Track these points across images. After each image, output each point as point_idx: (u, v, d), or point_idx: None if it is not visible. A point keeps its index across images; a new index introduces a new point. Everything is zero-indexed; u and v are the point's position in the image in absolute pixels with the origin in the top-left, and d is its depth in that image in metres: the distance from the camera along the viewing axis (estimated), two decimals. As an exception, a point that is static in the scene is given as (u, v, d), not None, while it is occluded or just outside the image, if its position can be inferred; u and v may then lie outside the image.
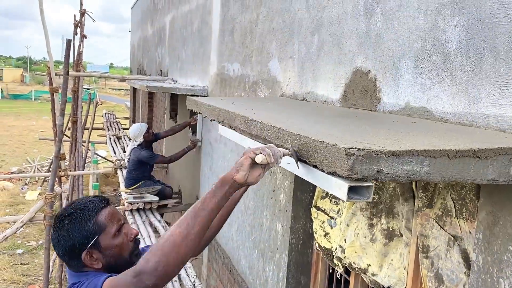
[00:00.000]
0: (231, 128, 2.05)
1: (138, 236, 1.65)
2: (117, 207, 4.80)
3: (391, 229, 2.31)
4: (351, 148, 1.10)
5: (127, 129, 12.72)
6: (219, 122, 2.20)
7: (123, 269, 1.46)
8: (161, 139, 6.69)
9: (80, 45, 9.39)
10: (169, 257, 1.28)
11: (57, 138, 4.94)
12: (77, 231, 1.54)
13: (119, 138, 10.53)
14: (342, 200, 1.17)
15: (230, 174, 1.36)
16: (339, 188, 1.13)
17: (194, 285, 3.32)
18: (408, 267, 2.21)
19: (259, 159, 1.31)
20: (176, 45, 6.99)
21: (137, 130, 5.72)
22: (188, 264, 3.68)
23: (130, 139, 6.49)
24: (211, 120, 2.37)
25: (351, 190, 1.13)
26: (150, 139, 5.80)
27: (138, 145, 5.71)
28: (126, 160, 6.10)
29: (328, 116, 2.00)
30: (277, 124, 1.56)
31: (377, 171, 1.11)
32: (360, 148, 1.10)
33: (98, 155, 14.50)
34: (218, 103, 2.41)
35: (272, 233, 3.30)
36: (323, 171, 1.19)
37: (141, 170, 5.64)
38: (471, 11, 1.60)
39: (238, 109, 2.15)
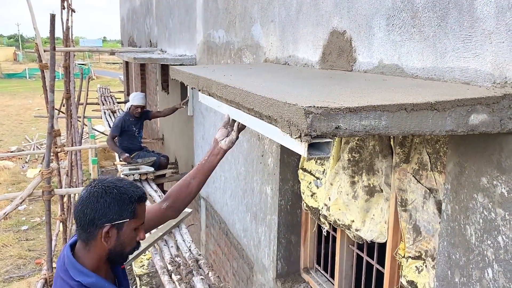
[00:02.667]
0: (209, 95, 2.09)
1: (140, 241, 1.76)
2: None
3: (371, 185, 2.38)
4: (310, 106, 1.14)
5: (122, 102, 12.71)
6: (199, 90, 2.23)
7: (116, 262, 1.69)
8: (154, 118, 6.76)
9: (68, 19, 9.25)
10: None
11: (49, 115, 4.96)
12: (119, 205, 1.61)
13: (113, 112, 10.54)
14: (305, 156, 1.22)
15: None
16: (300, 145, 1.18)
17: (190, 249, 3.43)
18: (389, 221, 2.29)
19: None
20: (163, 14, 6.90)
21: (132, 95, 6.03)
22: (184, 230, 3.79)
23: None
24: (192, 88, 2.40)
25: (312, 146, 1.18)
26: (134, 114, 5.88)
27: (124, 112, 5.93)
28: None
29: (303, 78, 2.03)
30: (248, 88, 1.60)
31: (336, 128, 1.16)
32: (318, 106, 1.14)
33: (95, 130, 14.53)
34: (198, 72, 2.43)
35: (262, 196, 3.38)
36: (283, 129, 1.24)
37: (126, 139, 5.81)
38: (436, -35, 1.61)
39: (217, 76, 2.17)
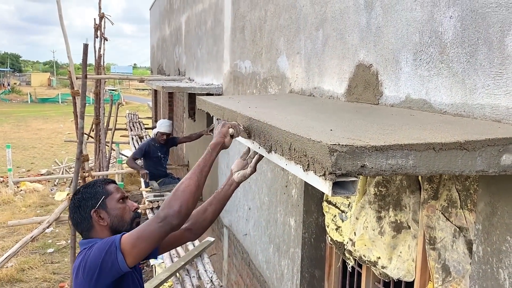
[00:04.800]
0: (234, 127, 2.09)
1: (138, 210, 2.02)
2: (139, 205, 4.93)
3: (399, 221, 2.31)
4: (335, 144, 1.12)
5: (150, 128, 12.94)
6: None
7: (122, 231, 1.85)
8: (181, 143, 6.89)
9: (100, 47, 9.60)
10: (188, 201, 1.68)
11: (78, 141, 5.09)
12: (88, 193, 1.92)
13: (141, 138, 10.72)
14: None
15: (219, 140, 1.85)
16: (324, 183, 1.16)
17: (211, 280, 3.39)
18: (416, 259, 2.21)
19: (231, 131, 1.87)
20: (191, 44, 7.07)
21: (160, 122, 6.21)
22: (206, 260, 3.76)
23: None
24: (217, 119, 2.41)
25: (337, 184, 1.15)
26: (159, 141, 5.98)
27: (151, 138, 6.03)
28: None
29: (328, 111, 2.02)
30: (272, 122, 1.60)
31: (361, 166, 1.13)
32: (343, 145, 1.12)
33: (123, 155, 14.80)
34: (223, 103, 2.45)
35: (286, 227, 3.33)
36: (308, 167, 1.22)
37: (151, 164, 5.89)
38: (465, 1, 1.59)
39: (242, 108, 2.19)
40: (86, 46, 5.06)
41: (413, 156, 1.17)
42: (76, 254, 6.04)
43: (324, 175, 1.15)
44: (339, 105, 2.27)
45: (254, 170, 2.09)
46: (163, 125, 5.99)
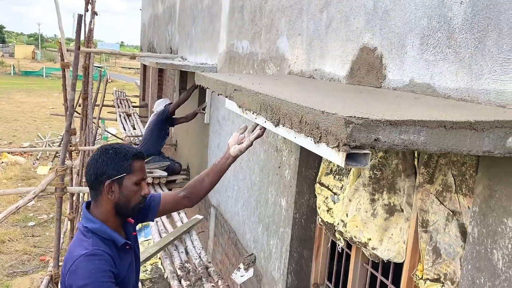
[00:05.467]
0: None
1: (148, 195, 1.99)
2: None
3: (392, 204, 2.36)
4: (350, 116, 1.14)
5: (137, 106, 12.82)
6: (226, 96, 2.24)
7: (124, 215, 1.92)
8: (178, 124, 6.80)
9: (91, 21, 9.40)
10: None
11: (68, 113, 5.01)
12: (115, 162, 1.86)
13: (129, 115, 10.62)
14: (341, 166, 1.22)
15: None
16: (338, 154, 1.18)
17: (200, 256, 3.41)
18: (408, 241, 2.27)
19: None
20: (186, 22, 6.99)
21: (161, 101, 6.11)
22: (195, 237, 3.78)
23: (144, 117, 6.65)
24: (218, 95, 2.41)
25: (349, 157, 1.18)
26: (172, 111, 5.94)
27: (157, 112, 5.96)
28: (144, 129, 6.28)
29: (332, 91, 2.03)
30: (281, 96, 1.60)
31: (375, 139, 1.15)
32: (359, 117, 1.14)
33: (108, 132, 14.65)
34: (225, 78, 2.45)
35: (276, 208, 3.37)
36: (320, 139, 1.24)
37: (154, 141, 5.80)
38: (477, -13, 1.61)
39: (245, 83, 2.19)
40: (80, 17, 4.97)
41: (425, 133, 1.20)
42: (62, 227, 5.91)
43: (337, 146, 1.17)
44: (342, 86, 2.29)
45: (251, 144, 2.14)
46: (163, 103, 6.04)
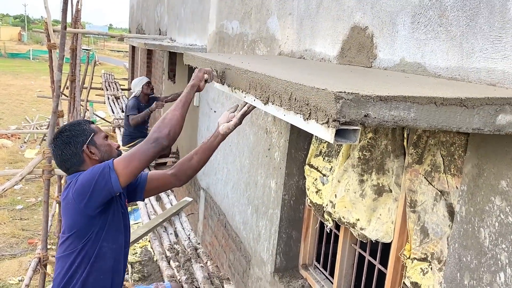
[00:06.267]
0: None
1: (119, 147, 2.18)
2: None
3: (381, 184, 2.37)
4: (340, 92, 1.12)
5: (126, 89, 12.67)
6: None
7: None
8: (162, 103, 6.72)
9: (78, 2, 9.22)
10: (176, 127, 1.93)
11: (55, 94, 4.92)
12: (77, 130, 2.05)
13: (117, 98, 10.50)
14: (329, 142, 1.20)
15: (196, 82, 2.04)
16: (327, 130, 1.16)
17: (189, 237, 3.41)
18: (396, 221, 2.28)
19: (206, 76, 2.08)
20: (175, 3, 6.87)
21: (137, 81, 5.97)
22: (184, 218, 3.77)
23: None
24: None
25: (338, 133, 1.16)
26: (148, 92, 5.88)
27: (134, 97, 5.86)
28: (124, 115, 6.22)
29: (322, 70, 2.01)
30: (271, 73, 1.58)
31: (365, 115, 1.14)
32: (349, 92, 1.12)
33: (96, 115, 14.50)
34: (214, 57, 2.41)
35: (266, 190, 3.36)
36: (310, 115, 1.22)
37: (129, 123, 5.77)
38: (470, -36, 1.59)
39: (234, 62, 2.16)
40: (66, -5, 4.85)
41: (415, 109, 1.18)
42: (50, 210, 5.89)
43: (327, 122, 1.15)
44: (332, 66, 2.27)
45: (239, 122, 2.14)
46: (142, 79, 5.94)
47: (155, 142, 1.88)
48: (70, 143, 2.01)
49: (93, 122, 2.16)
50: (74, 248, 1.97)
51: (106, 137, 2.12)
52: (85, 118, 10.28)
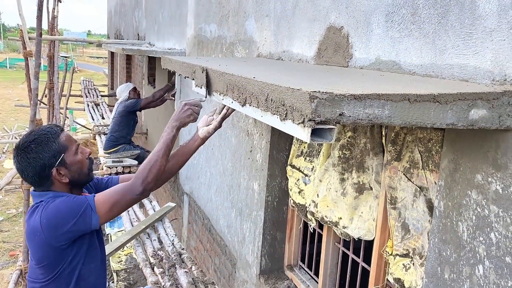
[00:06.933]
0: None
1: (90, 153, 2.03)
2: (95, 172, 4.80)
3: (361, 183, 2.38)
4: (315, 91, 1.12)
5: (106, 96, 12.54)
6: (193, 79, 2.20)
7: (83, 182, 1.97)
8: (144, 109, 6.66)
9: (54, 8, 9.10)
10: (160, 176, 1.91)
11: (32, 102, 4.85)
12: (45, 151, 1.80)
13: (97, 104, 10.38)
14: (311, 148, 1.21)
15: (180, 125, 1.99)
16: (303, 130, 1.16)
17: (173, 243, 3.38)
18: (377, 219, 2.30)
19: (192, 118, 2.03)
20: (153, 7, 6.83)
21: (123, 87, 6.01)
22: (167, 224, 3.74)
23: (113, 106, 6.54)
24: (185, 78, 2.36)
25: (314, 133, 1.16)
26: (135, 97, 5.87)
27: (123, 100, 5.85)
28: (111, 119, 6.16)
29: (299, 71, 2.02)
30: (248, 75, 1.58)
31: (340, 114, 1.15)
32: (323, 92, 1.13)
33: (77, 123, 14.29)
34: (192, 61, 2.40)
35: (249, 192, 3.36)
36: (286, 115, 1.23)
37: (124, 130, 5.71)
38: (439, -38, 1.61)
39: (212, 65, 2.15)
40: (41, 1, 4.78)
41: (389, 106, 1.20)
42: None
43: (303, 122, 1.16)
44: (310, 67, 2.28)
45: (219, 126, 2.11)
46: (128, 85, 5.96)
47: (141, 194, 1.85)
48: (36, 167, 1.79)
49: (62, 129, 1.93)
50: (47, 277, 1.84)
51: (77, 149, 1.93)
52: (64, 125, 10.14)
